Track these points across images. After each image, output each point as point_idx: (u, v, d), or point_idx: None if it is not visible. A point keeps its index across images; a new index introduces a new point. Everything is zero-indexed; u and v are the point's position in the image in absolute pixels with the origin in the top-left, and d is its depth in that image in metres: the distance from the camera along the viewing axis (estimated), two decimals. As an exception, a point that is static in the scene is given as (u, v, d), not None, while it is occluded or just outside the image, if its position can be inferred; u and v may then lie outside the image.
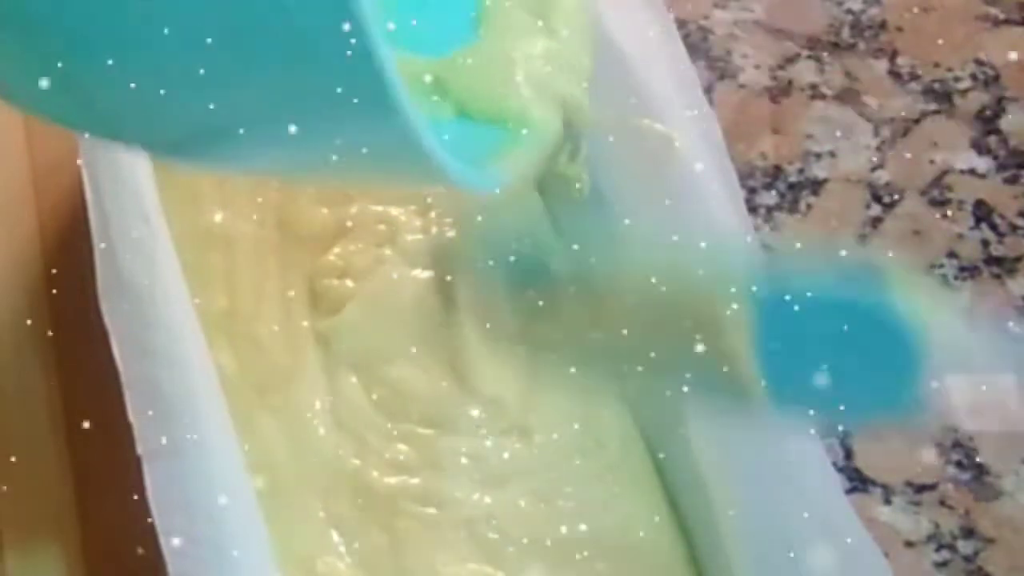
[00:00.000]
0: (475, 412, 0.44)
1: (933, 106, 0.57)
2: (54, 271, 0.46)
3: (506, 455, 0.44)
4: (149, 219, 0.40)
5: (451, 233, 0.47)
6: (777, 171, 0.55)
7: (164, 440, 0.37)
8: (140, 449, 0.37)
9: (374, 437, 0.44)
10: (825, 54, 0.57)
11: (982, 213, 0.54)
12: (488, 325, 0.45)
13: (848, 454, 0.48)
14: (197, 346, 0.40)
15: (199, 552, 0.36)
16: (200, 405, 0.38)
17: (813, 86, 0.57)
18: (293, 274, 0.46)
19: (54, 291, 0.46)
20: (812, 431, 0.40)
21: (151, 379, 0.38)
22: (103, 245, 0.39)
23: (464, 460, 0.44)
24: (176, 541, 0.36)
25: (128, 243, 0.39)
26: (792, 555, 0.38)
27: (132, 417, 0.37)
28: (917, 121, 0.56)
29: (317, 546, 0.42)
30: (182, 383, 0.38)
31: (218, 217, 0.47)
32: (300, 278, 0.46)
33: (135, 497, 0.36)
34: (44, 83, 0.26)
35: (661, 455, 0.44)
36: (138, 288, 0.39)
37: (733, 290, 0.39)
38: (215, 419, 0.39)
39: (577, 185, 0.44)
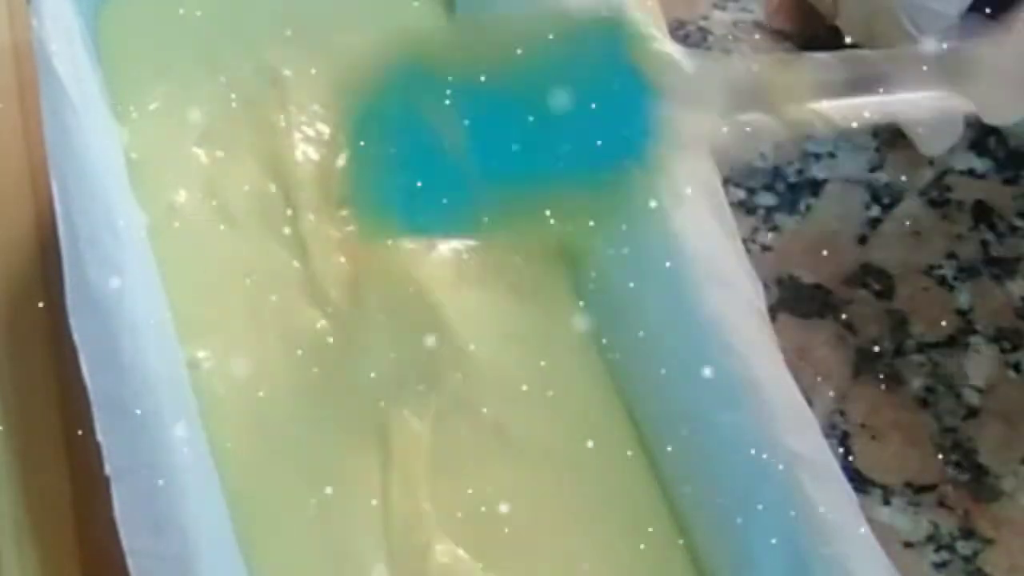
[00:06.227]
0: None
1: (932, 107, 0.57)
2: (52, 271, 0.46)
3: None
4: (119, 234, 0.39)
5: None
6: (776, 172, 0.55)
7: (132, 460, 0.36)
8: (108, 469, 0.36)
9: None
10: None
11: (981, 214, 0.54)
12: None
13: (848, 454, 0.48)
14: (168, 366, 0.39)
15: (167, 572, 0.35)
16: (170, 426, 0.37)
17: (812, 87, 0.57)
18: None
19: (51, 293, 0.46)
20: (818, 429, 0.40)
21: (119, 398, 0.37)
22: (72, 260, 0.39)
23: None
24: (142, 561, 0.35)
25: (98, 258, 0.39)
26: (793, 555, 0.38)
27: (100, 436, 0.36)
28: (916, 122, 0.56)
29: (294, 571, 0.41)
30: (151, 402, 0.37)
31: (194, 228, 0.46)
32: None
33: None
34: None
35: (660, 455, 0.44)
36: (107, 305, 0.38)
37: None
38: (186, 440, 0.38)
39: None
